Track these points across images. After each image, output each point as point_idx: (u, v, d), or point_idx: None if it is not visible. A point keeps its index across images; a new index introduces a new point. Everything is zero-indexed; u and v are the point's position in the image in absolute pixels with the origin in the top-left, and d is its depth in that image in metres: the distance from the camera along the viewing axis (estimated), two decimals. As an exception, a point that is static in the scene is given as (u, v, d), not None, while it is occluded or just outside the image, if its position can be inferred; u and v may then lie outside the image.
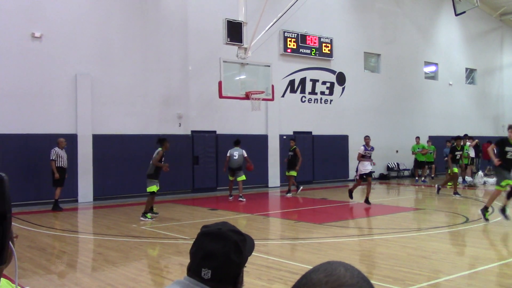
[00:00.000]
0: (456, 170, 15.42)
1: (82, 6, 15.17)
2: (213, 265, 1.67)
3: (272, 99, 15.31)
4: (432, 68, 26.08)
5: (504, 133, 28.76)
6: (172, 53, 16.85)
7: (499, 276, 6.66)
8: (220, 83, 13.60)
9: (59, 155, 13.15)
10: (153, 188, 11.25)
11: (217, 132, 17.82)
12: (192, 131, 17.15)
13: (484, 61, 28.84)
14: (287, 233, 10.26)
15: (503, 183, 10.23)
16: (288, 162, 16.30)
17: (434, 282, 6.31)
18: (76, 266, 7.57)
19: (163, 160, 11.33)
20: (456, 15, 23.22)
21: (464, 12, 22.98)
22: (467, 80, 28.01)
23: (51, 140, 13.83)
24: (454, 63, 26.91)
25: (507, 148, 10.25)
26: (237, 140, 14.76)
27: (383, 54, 23.32)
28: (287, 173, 16.43)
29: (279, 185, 19.03)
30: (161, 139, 11.53)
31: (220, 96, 13.90)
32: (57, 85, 14.66)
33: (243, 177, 14.69)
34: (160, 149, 11.27)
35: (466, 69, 27.80)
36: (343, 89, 21.61)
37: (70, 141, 14.15)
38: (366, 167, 13.53)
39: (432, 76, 26.14)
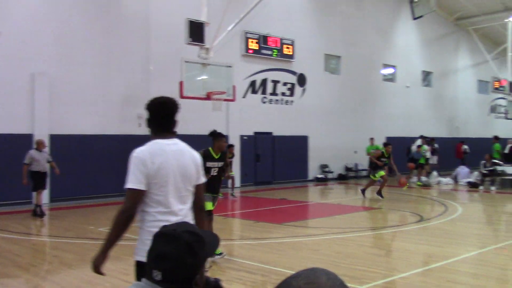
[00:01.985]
0: (383, 173, 15.38)
1: (41, 3, 14.81)
2: (164, 266, 1.65)
3: (234, 100, 15.33)
4: (390, 71, 26.66)
5: (458, 134, 29.73)
6: (134, 52, 16.65)
7: (451, 272, 6.90)
8: (181, 83, 13.53)
9: (34, 158, 12.01)
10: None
11: (178, 133, 17.68)
12: (152, 131, 17.00)
13: (440, 64, 29.69)
14: (247, 233, 10.31)
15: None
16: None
17: (390, 280, 6.48)
18: (30, 270, 7.40)
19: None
20: (414, 19, 23.76)
21: (421, 16, 23.53)
22: (424, 82, 28.76)
23: (6, 140, 13.43)
24: (412, 65, 27.59)
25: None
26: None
27: (343, 56, 23.69)
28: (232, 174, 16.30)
29: (239, 185, 19.09)
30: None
31: (181, 97, 13.80)
32: (14, 84, 14.26)
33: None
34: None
35: (423, 71, 28.54)
36: (304, 90, 21.85)
37: (25, 142, 13.78)
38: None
39: (391, 78, 26.72)
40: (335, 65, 23.85)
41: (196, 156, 3.39)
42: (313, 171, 22.20)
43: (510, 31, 27.17)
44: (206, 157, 7.22)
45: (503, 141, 24.11)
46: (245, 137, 19.53)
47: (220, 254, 7.31)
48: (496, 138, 23.02)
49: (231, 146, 16.02)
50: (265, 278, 6.59)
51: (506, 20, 27.29)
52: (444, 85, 30.03)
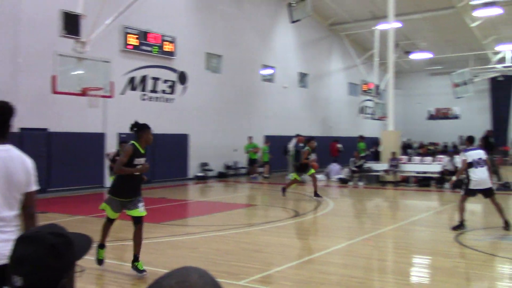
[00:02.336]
0: (313, 171, 14.99)
1: None
2: (24, 271, 1.51)
3: (111, 96, 14.84)
4: (269, 71, 27.48)
5: (331, 133, 31.43)
6: (0, 43, 15.40)
7: (323, 264, 7.30)
8: (54, 78, 12.79)
9: None
10: None
11: (50, 130, 16.73)
12: (21, 129, 15.86)
13: (315, 67, 31.23)
14: (123, 234, 10.02)
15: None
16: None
17: (266, 274, 6.70)
18: None
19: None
20: (292, 22, 24.65)
21: (299, 20, 24.46)
22: (300, 83, 30.05)
23: None
24: (289, 67, 28.69)
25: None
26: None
27: (224, 56, 23.97)
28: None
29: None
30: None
31: (54, 92, 13.06)
32: None
33: None
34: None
35: (299, 73, 29.81)
36: (185, 88, 21.76)
37: None
38: None
39: (269, 79, 27.55)
40: (216, 64, 24.04)
41: (28, 163, 3.28)
42: (193, 169, 22.19)
43: (377, 38, 29.36)
44: (134, 153, 6.56)
45: (369, 140, 25.98)
46: (123, 135, 18.95)
47: (144, 271, 6.54)
48: (362, 138, 24.77)
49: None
50: (142, 279, 6.47)
51: (373, 28, 29.45)
52: (319, 87, 31.64)
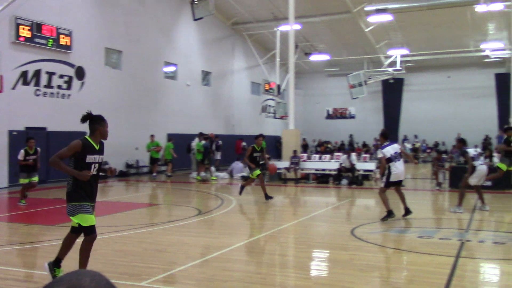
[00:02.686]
0: (259, 172, 14.01)
1: None
2: None
3: (1, 91, 13.85)
4: (172, 69, 27.13)
5: (234, 131, 31.69)
6: None
7: (226, 261, 7.33)
8: None
9: None
10: None
11: None
12: None
13: (218, 65, 31.31)
14: (15, 237, 9.42)
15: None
16: None
17: (169, 274, 6.59)
18: None
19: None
20: (195, 20, 24.55)
21: (201, 18, 24.42)
22: (203, 81, 29.99)
23: None
24: (192, 65, 28.50)
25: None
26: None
27: (125, 51, 23.27)
28: None
29: (6, 185, 17.33)
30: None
31: None
32: None
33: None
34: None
35: (203, 71, 29.73)
36: (83, 84, 20.84)
37: None
38: None
39: (172, 76, 27.20)
40: (116, 60, 23.29)
41: None
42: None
43: (278, 39, 30.05)
44: (86, 149, 5.74)
45: (271, 138, 26.52)
46: (14, 132, 17.78)
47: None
48: (262, 136, 25.12)
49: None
50: (36, 285, 6.11)
51: (275, 29, 30.11)
52: (222, 85, 31.77)
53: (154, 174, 21.91)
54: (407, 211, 10.60)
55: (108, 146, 21.77)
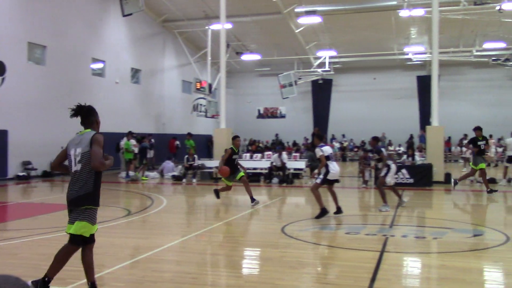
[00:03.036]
0: (242, 174, 13.05)
1: None
2: None
3: None
4: (100, 65, 26.34)
5: (165, 130, 31.30)
6: None
7: (157, 262, 7.21)
8: None
9: None
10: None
11: None
12: None
13: (148, 63, 30.76)
14: None
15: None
16: None
17: (97, 276, 6.37)
18: None
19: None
20: (124, 16, 23.98)
21: (131, 14, 23.89)
22: (133, 79, 29.35)
23: None
24: (121, 62, 27.82)
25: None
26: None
27: (49, 46, 22.32)
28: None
29: None
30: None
31: None
32: None
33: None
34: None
35: (132, 68, 29.09)
36: (3, 80, 19.79)
37: None
38: None
39: (100, 73, 26.42)
40: (40, 55, 22.29)
41: None
42: (13, 168, 20.34)
43: (209, 37, 29.95)
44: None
45: (203, 137, 26.40)
46: None
47: None
48: (190, 135, 25.14)
49: None
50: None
51: (206, 27, 29.99)
52: (152, 83, 31.24)
53: (129, 174, 21.00)
54: (339, 210, 10.95)
55: (31, 145, 20.97)
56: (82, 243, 5.40)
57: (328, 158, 10.68)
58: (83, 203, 5.30)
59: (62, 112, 22.70)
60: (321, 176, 10.72)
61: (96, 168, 5.28)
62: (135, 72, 29.58)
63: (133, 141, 21.28)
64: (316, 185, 10.82)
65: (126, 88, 28.16)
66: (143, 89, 30.10)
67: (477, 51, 32.17)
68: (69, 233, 5.36)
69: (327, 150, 10.82)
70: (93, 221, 5.40)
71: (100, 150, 5.35)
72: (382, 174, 12.25)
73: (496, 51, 32.66)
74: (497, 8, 22.61)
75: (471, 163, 16.32)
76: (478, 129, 15.93)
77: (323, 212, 10.55)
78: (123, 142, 21.63)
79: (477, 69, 36.34)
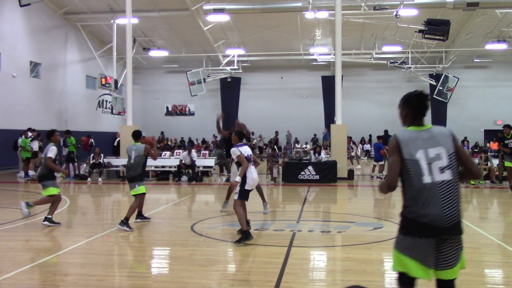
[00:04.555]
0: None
1: None
2: None
3: None
4: (-5, 58, 24.64)
5: (67, 127, 29.95)
6: None
7: (59, 265, 6.90)
8: None
9: None
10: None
11: None
12: None
13: (49, 56, 29.16)
14: None
15: None
16: None
17: (-8, 283, 5.99)
18: None
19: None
20: (21, 6, 22.65)
21: (29, 4, 22.64)
22: (32, 73, 27.72)
23: None
24: (18, 54, 26.17)
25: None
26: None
27: None
28: None
29: None
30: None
31: None
32: None
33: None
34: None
35: (31, 62, 27.46)
36: None
37: None
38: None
39: (-6, 66, 24.71)
40: None
41: None
42: None
43: (114, 32, 29.04)
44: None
45: (109, 134, 25.51)
46: None
47: None
48: (68, 132, 24.01)
49: None
50: None
51: (111, 21, 29.04)
52: (53, 78, 29.69)
53: (29, 173, 19.58)
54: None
55: None
56: None
57: (248, 160, 8.67)
58: None
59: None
60: (238, 189, 8.46)
61: None
62: (34, 66, 27.95)
63: (28, 139, 20.12)
64: (237, 202, 8.45)
65: (24, 82, 26.53)
66: (44, 84, 28.52)
67: (376, 53, 33.92)
68: None
69: (245, 150, 8.78)
70: None
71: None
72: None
73: (394, 54, 34.69)
74: (394, 13, 23.98)
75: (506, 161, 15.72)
76: (507, 126, 15.52)
77: (246, 236, 8.17)
78: (20, 140, 20.40)
79: (377, 71, 38.29)
